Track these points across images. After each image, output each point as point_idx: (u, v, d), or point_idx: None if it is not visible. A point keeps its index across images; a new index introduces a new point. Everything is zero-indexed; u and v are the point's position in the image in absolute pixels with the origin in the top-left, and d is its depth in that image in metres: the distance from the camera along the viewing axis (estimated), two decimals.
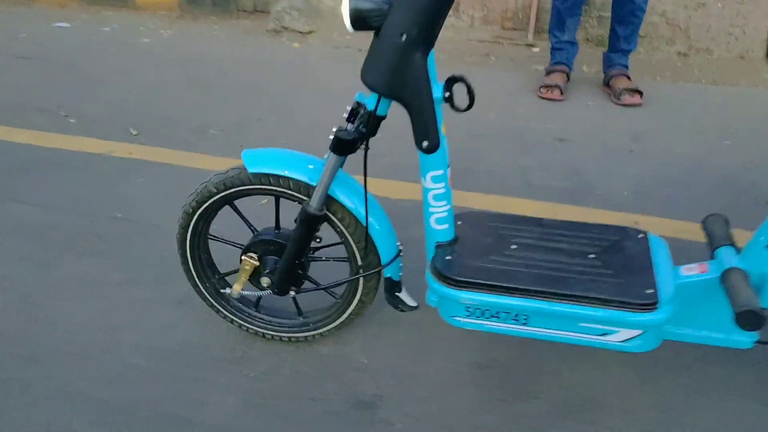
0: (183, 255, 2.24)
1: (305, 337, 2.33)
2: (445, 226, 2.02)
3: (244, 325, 2.35)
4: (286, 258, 2.08)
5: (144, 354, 2.32)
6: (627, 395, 2.15)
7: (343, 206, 2.05)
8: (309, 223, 2.00)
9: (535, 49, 4.76)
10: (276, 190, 2.05)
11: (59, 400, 2.15)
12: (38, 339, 2.37)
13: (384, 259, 2.10)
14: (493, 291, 1.90)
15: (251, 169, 2.02)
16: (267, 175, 2.03)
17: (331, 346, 2.35)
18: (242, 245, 2.22)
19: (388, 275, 2.13)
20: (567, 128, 3.79)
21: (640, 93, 4.01)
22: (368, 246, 2.07)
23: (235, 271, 2.28)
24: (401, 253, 2.13)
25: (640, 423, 2.06)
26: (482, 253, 2.00)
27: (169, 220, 2.90)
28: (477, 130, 3.74)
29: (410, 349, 2.34)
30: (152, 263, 2.73)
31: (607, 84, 4.17)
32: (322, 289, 2.21)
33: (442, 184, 1.95)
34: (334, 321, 2.28)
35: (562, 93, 4.07)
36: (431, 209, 1.99)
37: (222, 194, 2.09)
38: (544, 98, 4.09)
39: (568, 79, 4.19)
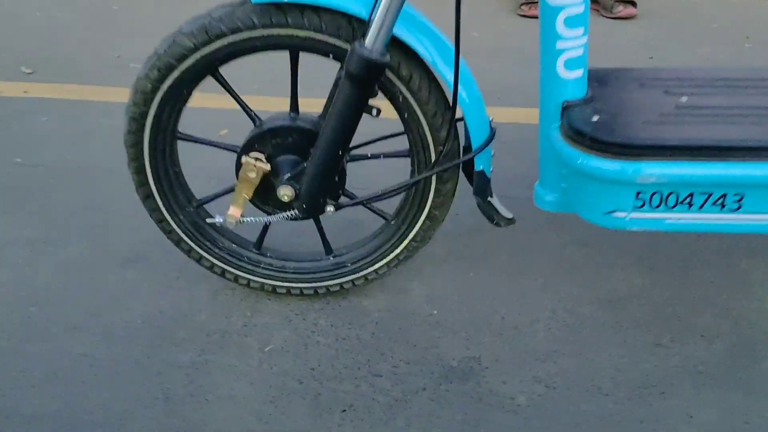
0: (139, 169, 1.32)
1: (339, 285, 1.45)
2: (579, 72, 1.21)
3: (243, 277, 1.45)
4: (325, 147, 1.21)
5: (91, 338, 1.39)
6: None
7: (410, 56, 1.21)
8: (364, 80, 1.14)
9: None
10: (297, 36, 1.18)
11: None
12: None
13: (474, 143, 1.27)
14: (692, 156, 1.09)
15: None
16: (283, 7, 1.15)
17: (377, 298, 1.50)
18: (236, 147, 1.33)
19: (481, 167, 1.29)
20: None
21: (634, 3, 3.35)
22: (453, 123, 1.23)
23: (219, 197, 1.39)
24: (495, 134, 1.30)
25: None
26: (645, 110, 1.20)
27: (93, 161, 1.98)
28: (464, 50, 2.94)
29: (491, 289, 1.52)
30: (76, 214, 1.78)
31: None
32: (373, 200, 1.34)
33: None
34: (386, 256, 1.43)
35: None
36: (560, 43, 1.17)
37: (205, 51, 1.19)
38: (526, 16, 3.35)
39: None
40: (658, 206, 1.16)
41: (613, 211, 1.18)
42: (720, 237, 1.66)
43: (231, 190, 1.38)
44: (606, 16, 3.38)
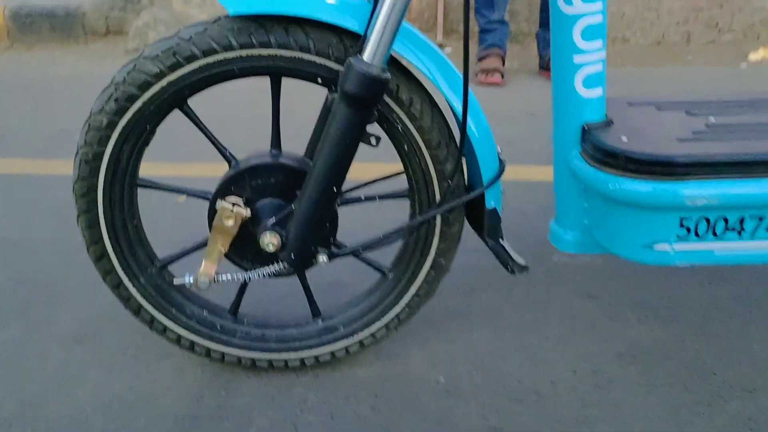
0: (91, 223, 1.10)
1: (330, 354, 1.23)
2: (599, 91, 1.06)
3: (216, 350, 1.21)
4: (317, 184, 1.02)
5: None
6: None
7: (409, 79, 1.05)
8: (363, 100, 0.96)
9: (448, 49, 4.00)
10: (282, 57, 1.00)
11: None
12: None
13: (484, 177, 1.10)
14: (745, 172, 0.95)
15: (238, 10, 0.97)
16: (264, 24, 0.98)
17: (373, 366, 1.28)
18: (207, 193, 1.13)
19: (492, 204, 1.12)
20: (530, 106, 3.00)
21: None
22: (461, 153, 1.06)
23: (187, 254, 1.17)
24: (504, 167, 1.13)
25: None
26: (675, 129, 1.06)
27: (31, 233, 1.74)
28: None
29: (500, 350, 1.33)
30: (11, 290, 1.52)
31: (545, 67, 3.45)
32: (371, 248, 1.14)
33: (599, 6, 1.01)
34: (384, 315, 1.22)
35: (502, 77, 3.30)
36: (578, 57, 1.02)
37: (172, 77, 1.00)
38: (484, 84, 3.30)
39: (504, 63, 3.44)
40: (704, 235, 0.99)
41: (654, 244, 1.01)
42: (736, 283, 1.52)
43: (201, 246, 1.17)
44: None
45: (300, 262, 1.08)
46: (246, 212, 1.08)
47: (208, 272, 1.10)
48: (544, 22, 3.47)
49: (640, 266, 1.58)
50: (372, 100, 0.97)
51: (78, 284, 1.51)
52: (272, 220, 1.07)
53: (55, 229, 1.78)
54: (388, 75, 0.97)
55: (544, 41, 3.48)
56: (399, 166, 1.21)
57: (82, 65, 3.68)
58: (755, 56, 3.98)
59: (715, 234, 0.99)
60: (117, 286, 1.15)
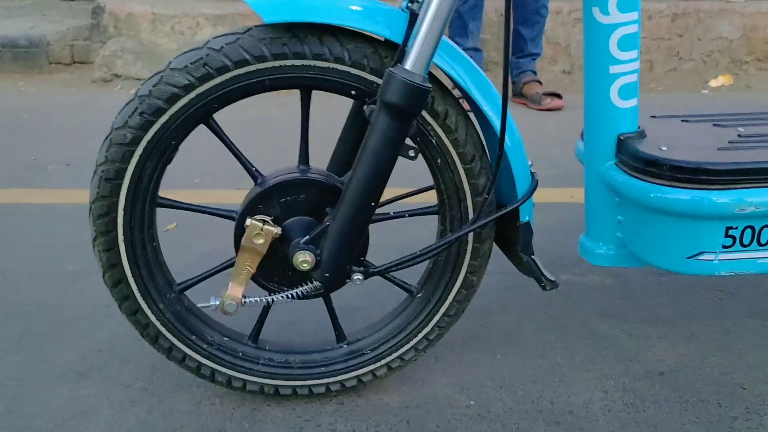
0: (110, 245, 1.03)
1: (356, 379, 1.18)
2: (634, 101, 1.07)
3: (237, 378, 1.14)
4: (355, 198, 0.98)
5: None
6: None
7: (444, 91, 1.03)
8: (405, 111, 0.93)
9: None
10: (316, 68, 0.97)
11: None
12: None
13: (519, 190, 1.08)
14: None
15: (274, 18, 0.93)
16: (298, 34, 0.96)
17: (399, 392, 1.23)
18: (231, 212, 1.08)
19: (527, 218, 1.10)
20: None
21: (560, 96, 3.40)
22: (498, 167, 1.03)
23: (206, 278, 1.12)
24: (537, 182, 1.12)
25: None
26: (710, 139, 1.06)
27: (17, 266, 1.64)
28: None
29: (526, 372, 1.30)
30: (5, 324, 1.41)
31: (519, 93, 3.50)
32: (403, 265, 1.09)
33: (635, 16, 1.01)
34: (413, 337, 1.17)
35: None
36: (614, 68, 1.02)
37: (202, 89, 0.96)
38: None
39: None
40: (749, 244, 0.98)
41: (699, 254, 1.00)
42: (745, 297, 1.52)
43: (222, 269, 1.11)
44: (535, 109, 3.40)
45: (333, 281, 1.04)
46: (277, 230, 1.03)
47: (235, 295, 1.04)
48: (516, 50, 3.52)
49: (650, 283, 1.58)
50: (414, 110, 0.94)
51: (75, 316, 1.43)
52: (306, 237, 1.02)
53: (42, 259, 1.69)
54: (429, 85, 0.94)
55: (517, 68, 3.52)
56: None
57: (47, 95, 3.57)
58: (715, 83, 4.10)
59: (760, 243, 0.98)
60: (134, 313, 1.08)
